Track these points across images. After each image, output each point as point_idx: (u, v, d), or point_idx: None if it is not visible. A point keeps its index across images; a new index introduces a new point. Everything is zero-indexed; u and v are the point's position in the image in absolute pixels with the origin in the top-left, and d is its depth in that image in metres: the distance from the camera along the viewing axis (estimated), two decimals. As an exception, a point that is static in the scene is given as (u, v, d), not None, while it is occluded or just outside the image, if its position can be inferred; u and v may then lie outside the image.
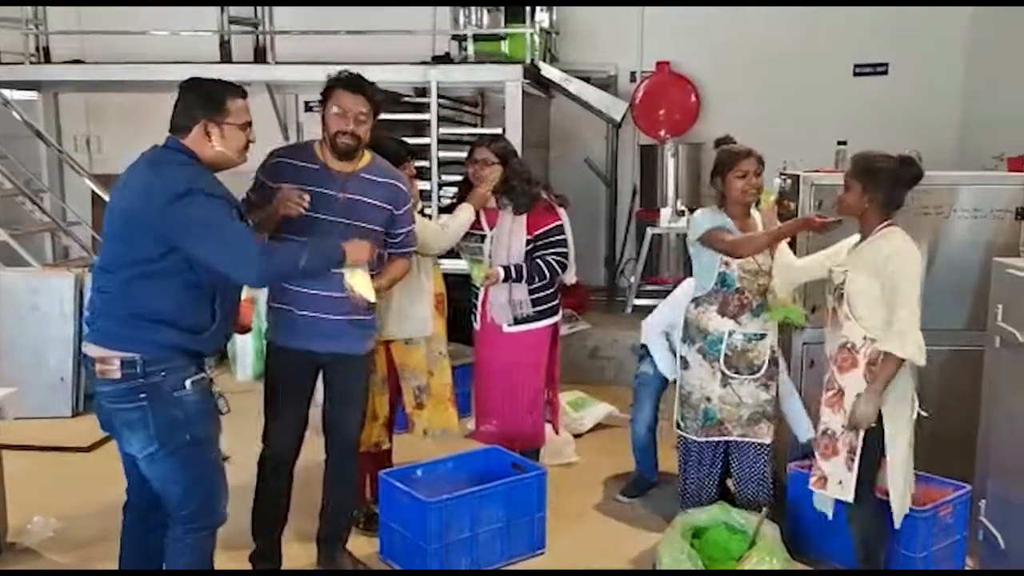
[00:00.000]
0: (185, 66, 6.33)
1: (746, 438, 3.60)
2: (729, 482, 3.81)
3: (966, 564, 3.57)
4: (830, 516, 3.28)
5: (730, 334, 3.52)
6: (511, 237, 3.85)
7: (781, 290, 3.55)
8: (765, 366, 3.55)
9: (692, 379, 3.62)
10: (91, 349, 2.65)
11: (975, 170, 4.88)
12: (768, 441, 3.62)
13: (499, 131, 5.91)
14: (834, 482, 3.16)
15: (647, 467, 4.31)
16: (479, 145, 3.94)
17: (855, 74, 7.19)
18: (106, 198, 6.18)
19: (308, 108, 7.44)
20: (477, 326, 4.03)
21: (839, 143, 4.12)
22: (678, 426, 3.71)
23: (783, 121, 6.75)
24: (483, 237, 3.88)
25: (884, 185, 3.05)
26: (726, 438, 3.61)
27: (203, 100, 2.64)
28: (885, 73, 7.16)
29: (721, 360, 3.53)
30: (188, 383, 2.62)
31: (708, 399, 3.57)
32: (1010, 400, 3.30)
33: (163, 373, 2.59)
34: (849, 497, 3.13)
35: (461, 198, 3.97)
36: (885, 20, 7.01)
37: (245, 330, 3.15)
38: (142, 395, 2.58)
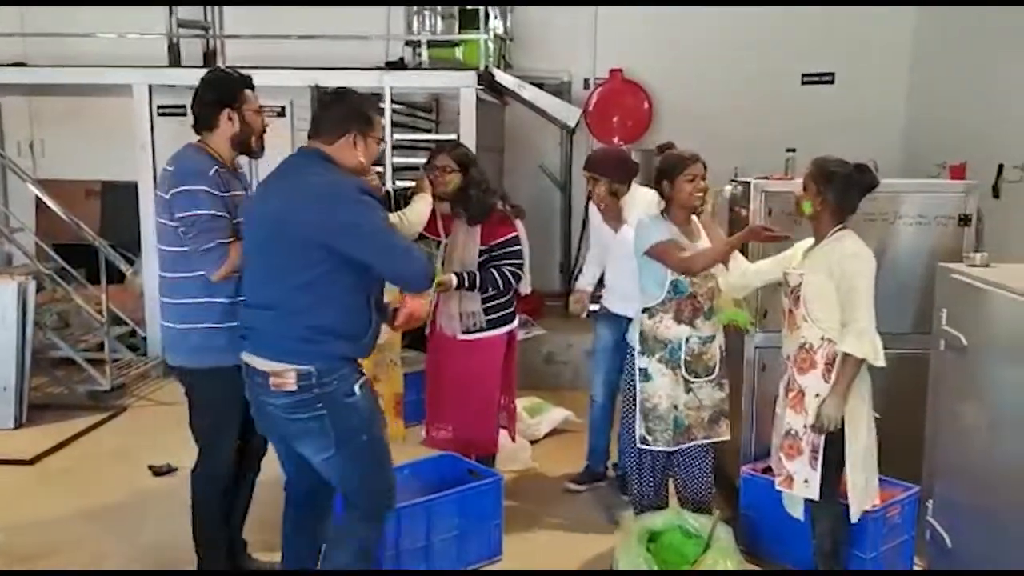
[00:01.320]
0: (132, 70, 6.24)
1: (708, 439, 3.63)
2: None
3: (914, 564, 3.64)
4: (800, 518, 3.33)
5: (687, 340, 3.53)
6: (464, 248, 3.85)
7: (730, 294, 3.59)
8: (718, 367, 3.59)
9: (658, 390, 3.56)
10: (260, 363, 2.72)
11: (918, 177, 5.00)
12: (727, 438, 3.66)
13: (453, 137, 5.91)
14: (800, 481, 3.21)
15: (599, 447, 4.39)
16: (439, 151, 3.91)
17: (803, 83, 7.32)
18: (50, 203, 6.12)
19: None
20: (427, 330, 4.00)
21: (788, 151, 4.18)
22: (643, 441, 3.58)
23: (733, 128, 6.84)
24: (438, 243, 3.87)
25: (838, 189, 3.14)
26: (694, 442, 3.62)
27: (355, 113, 2.77)
28: (832, 82, 7.31)
29: (682, 366, 3.55)
30: (356, 388, 2.72)
31: (676, 407, 3.57)
32: (955, 402, 3.38)
33: (335, 382, 2.68)
34: (815, 496, 3.18)
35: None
36: (833, 30, 7.17)
37: (419, 322, 3.17)
38: (319, 404, 2.67)
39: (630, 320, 3.93)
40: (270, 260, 2.70)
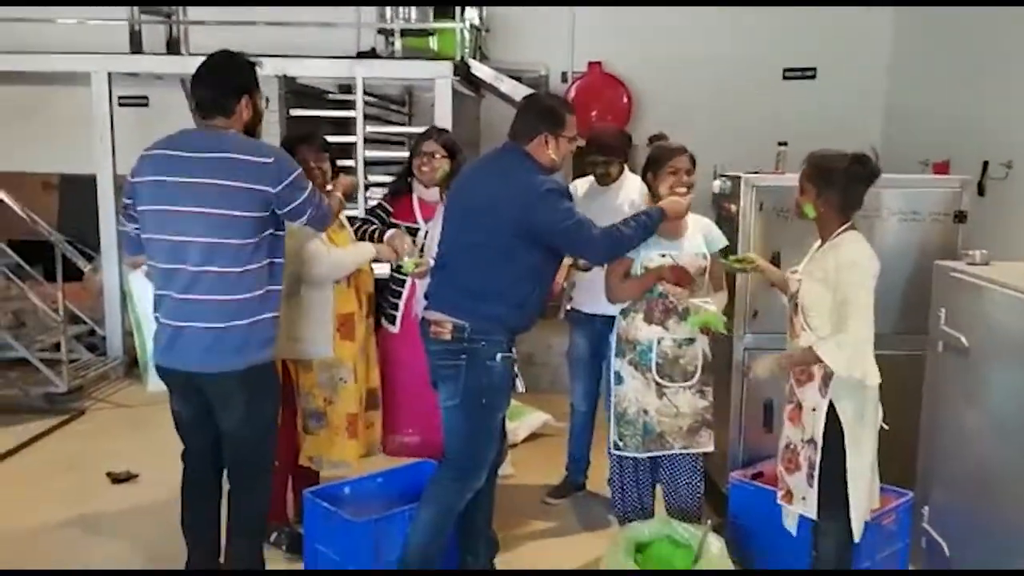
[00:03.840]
0: (91, 56, 5.98)
1: (688, 450, 3.42)
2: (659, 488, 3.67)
3: (908, 571, 3.52)
4: (794, 533, 3.18)
5: (659, 341, 3.35)
6: None
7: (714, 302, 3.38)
8: (699, 372, 3.38)
9: (628, 393, 3.40)
10: (428, 314, 3.09)
11: (898, 173, 4.89)
12: (710, 450, 3.46)
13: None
14: (798, 497, 3.07)
15: (579, 456, 4.24)
16: (427, 137, 3.76)
17: (784, 78, 7.22)
18: (4, 197, 5.84)
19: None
20: (395, 328, 3.76)
21: (780, 144, 4.03)
22: (616, 446, 3.45)
23: (714, 123, 6.70)
24: (416, 230, 3.67)
25: (839, 187, 2.94)
26: (666, 452, 3.43)
27: (546, 115, 3.05)
28: (813, 77, 7.21)
29: (653, 369, 3.37)
30: (499, 356, 3.01)
31: (645, 411, 3.39)
32: (953, 405, 3.26)
33: (483, 343, 2.99)
34: (812, 514, 3.04)
35: (397, 191, 3.81)
36: (814, 25, 7.05)
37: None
38: (462, 356, 3.00)
39: (603, 320, 3.78)
40: (459, 232, 3.08)
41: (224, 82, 2.92)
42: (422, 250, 3.63)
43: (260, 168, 2.83)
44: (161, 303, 2.93)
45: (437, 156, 3.68)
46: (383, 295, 3.81)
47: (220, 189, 2.80)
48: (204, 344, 2.86)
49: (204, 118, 2.94)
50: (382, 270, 3.83)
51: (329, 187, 3.49)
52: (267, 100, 3.10)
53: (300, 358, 3.48)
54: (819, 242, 3.09)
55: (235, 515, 3.10)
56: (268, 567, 3.24)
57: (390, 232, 3.60)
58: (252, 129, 2.99)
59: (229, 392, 2.93)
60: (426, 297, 3.19)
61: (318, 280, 3.43)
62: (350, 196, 3.64)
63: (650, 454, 3.45)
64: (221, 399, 2.95)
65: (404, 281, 3.73)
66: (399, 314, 3.75)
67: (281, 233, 2.99)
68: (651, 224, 3.19)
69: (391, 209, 3.77)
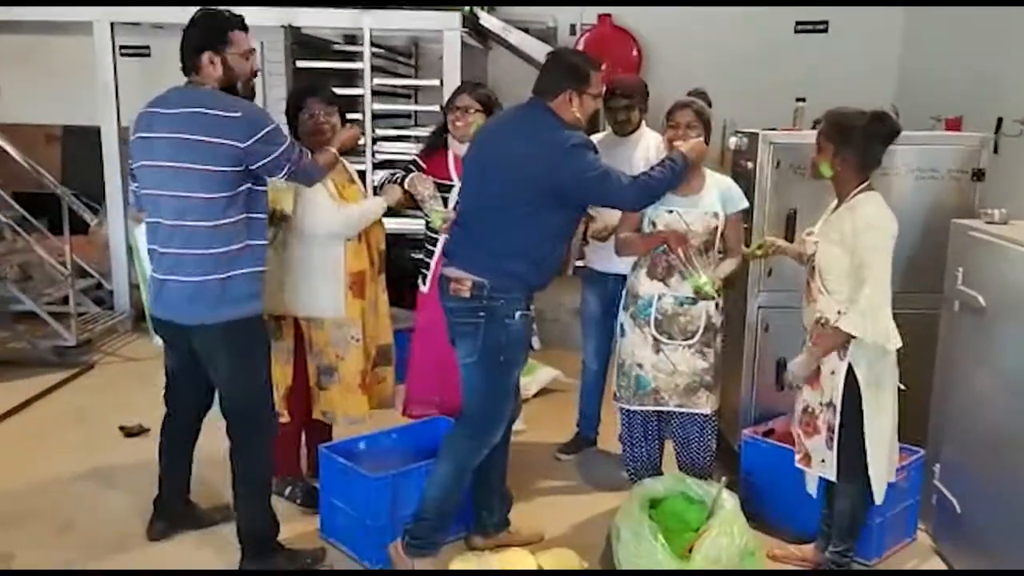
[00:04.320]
0: (92, 7, 5.86)
1: (683, 408, 3.43)
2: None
3: (918, 528, 3.56)
4: (814, 495, 3.21)
5: (659, 297, 3.36)
6: None
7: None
8: (700, 332, 3.36)
9: (627, 345, 3.45)
10: (448, 271, 3.08)
11: (912, 130, 4.83)
12: (706, 412, 3.44)
13: (436, 83, 5.66)
14: (817, 460, 3.08)
15: (590, 413, 4.26)
16: (460, 91, 3.68)
17: (796, 31, 7.10)
18: (8, 149, 5.78)
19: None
20: (425, 288, 3.71)
21: (798, 100, 3.97)
22: (615, 396, 3.53)
23: (724, 77, 6.55)
24: (451, 187, 3.58)
25: (858, 145, 2.90)
26: (661, 408, 3.45)
27: (571, 72, 3.02)
28: (825, 31, 7.10)
29: (652, 325, 3.37)
30: (517, 314, 3.01)
31: (640, 365, 3.41)
32: (969, 365, 3.26)
33: (502, 301, 2.98)
34: (832, 476, 3.06)
35: (433, 146, 3.73)
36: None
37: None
38: (481, 314, 2.99)
39: (615, 278, 3.77)
40: (481, 192, 3.06)
41: (188, 39, 2.98)
42: (450, 204, 3.55)
43: (227, 122, 2.85)
44: (151, 256, 3.05)
45: (471, 111, 3.59)
46: (422, 255, 3.76)
47: (188, 143, 2.85)
48: (183, 296, 2.96)
49: (185, 75, 3.01)
50: (395, 226, 3.79)
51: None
52: (252, 58, 3.06)
53: (311, 316, 3.48)
54: (835, 202, 3.06)
55: (235, 469, 3.15)
56: (282, 522, 3.26)
57: (411, 176, 3.56)
58: (231, 86, 2.98)
59: (211, 345, 3.02)
60: (445, 254, 3.19)
61: (328, 238, 3.40)
62: (352, 150, 3.56)
63: (643, 408, 3.47)
64: (205, 352, 3.05)
65: (437, 240, 3.63)
66: (429, 273, 3.68)
67: (261, 188, 3.01)
68: (678, 168, 3.17)
69: (424, 166, 3.65)
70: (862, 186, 2.96)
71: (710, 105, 3.48)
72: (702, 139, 3.33)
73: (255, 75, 3.10)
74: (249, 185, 2.94)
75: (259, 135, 2.86)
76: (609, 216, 3.64)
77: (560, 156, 2.93)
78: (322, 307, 3.45)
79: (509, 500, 3.49)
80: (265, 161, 2.89)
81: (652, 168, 3.20)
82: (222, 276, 2.91)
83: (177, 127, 2.86)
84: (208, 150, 2.83)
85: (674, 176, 3.17)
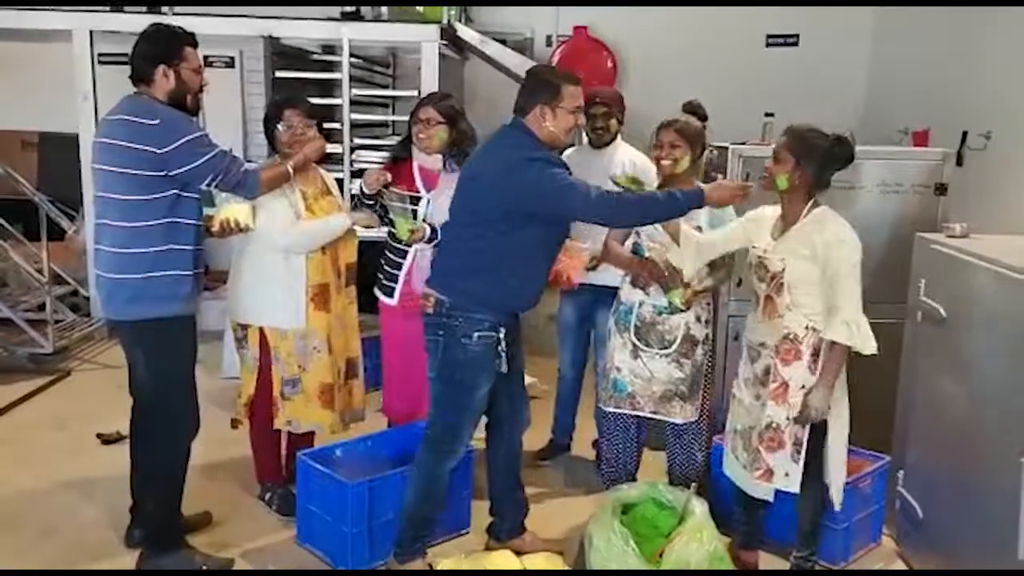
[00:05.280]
0: (72, 14, 5.88)
1: (657, 415, 3.52)
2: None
3: (883, 533, 3.66)
4: (770, 499, 3.26)
5: (640, 305, 3.45)
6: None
7: (689, 268, 3.38)
8: (677, 342, 3.45)
9: (609, 348, 3.57)
10: (423, 286, 3.16)
11: (880, 142, 4.95)
12: (679, 421, 3.51)
13: (413, 93, 5.71)
14: (780, 475, 3.10)
15: (565, 421, 4.32)
16: (424, 103, 3.69)
17: (767, 44, 7.24)
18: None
19: (208, 63, 7.01)
20: (392, 301, 3.73)
21: (767, 115, 4.08)
22: (597, 397, 3.66)
23: (695, 90, 6.63)
24: (418, 199, 3.63)
25: (817, 164, 2.98)
26: (637, 413, 3.54)
27: (541, 87, 3.02)
28: (796, 44, 7.24)
29: (631, 331, 3.47)
30: (476, 335, 3.00)
31: (618, 369, 3.50)
32: (930, 373, 3.36)
33: (460, 320, 3.00)
34: (795, 489, 3.10)
35: (398, 157, 3.75)
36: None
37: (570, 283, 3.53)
38: (440, 332, 3.03)
39: (592, 289, 3.84)
40: (462, 210, 3.07)
41: (143, 51, 3.08)
42: (425, 220, 3.60)
43: (145, 129, 2.97)
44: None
45: (433, 123, 3.61)
46: (380, 266, 3.79)
47: (109, 147, 3.00)
48: (104, 291, 3.13)
49: (134, 84, 3.12)
50: (366, 235, 3.83)
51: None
52: (202, 73, 3.17)
53: (271, 326, 3.51)
54: (778, 214, 3.11)
55: (134, 459, 3.33)
56: (260, 528, 3.30)
57: (366, 172, 3.60)
58: (180, 98, 3.09)
59: (128, 340, 3.19)
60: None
61: (285, 250, 3.44)
62: (318, 160, 3.58)
63: (619, 410, 3.55)
64: (125, 346, 3.24)
65: (405, 253, 3.68)
66: (398, 286, 3.71)
67: (189, 196, 3.08)
68: (674, 204, 2.93)
69: (389, 177, 3.66)
70: (812, 203, 3.03)
71: (705, 118, 3.55)
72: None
73: (202, 90, 3.20)
74: (176, 191, 3.05)
75: (177, 143, 2.96)
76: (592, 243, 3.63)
77: (511, 170, 2.91)
78: (280, 317, 3.48)
79: (525, 507, 3.51)
80: (185, 169, 3.00)
81: (654, 193, 3.09)
82: (140, 276, 3.03)
83: (108, 132, 3.02)
84: (125, 153, 2.96)
85: (665, 208, 2.97)
